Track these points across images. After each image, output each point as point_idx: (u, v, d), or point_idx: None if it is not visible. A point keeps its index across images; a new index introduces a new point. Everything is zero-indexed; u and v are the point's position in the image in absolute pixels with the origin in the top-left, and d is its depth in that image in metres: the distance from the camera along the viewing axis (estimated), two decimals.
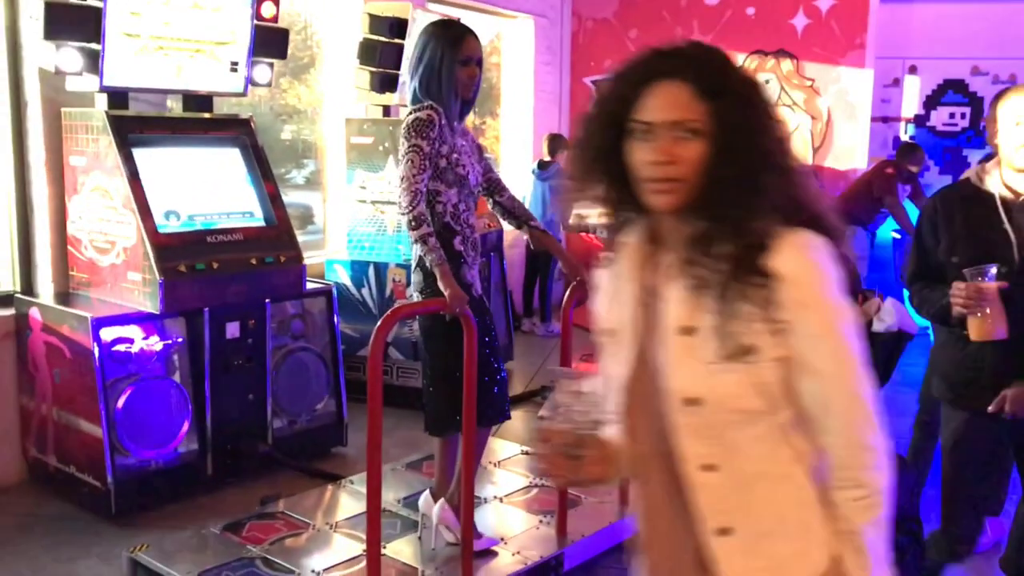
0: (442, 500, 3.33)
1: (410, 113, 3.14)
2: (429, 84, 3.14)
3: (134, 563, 3.26)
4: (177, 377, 4.09)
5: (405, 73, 5.51)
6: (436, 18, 5.51)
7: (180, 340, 4.10)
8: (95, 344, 3.78)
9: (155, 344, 4.00)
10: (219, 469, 4.21)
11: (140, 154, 4.07)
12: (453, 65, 3.13)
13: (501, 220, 3.56)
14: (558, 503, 3.53)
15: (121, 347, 3.90)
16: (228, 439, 4.23)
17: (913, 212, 7.61)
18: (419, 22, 5.52)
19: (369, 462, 2.80)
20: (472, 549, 3.16)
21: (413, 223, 3.01)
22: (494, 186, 3.47)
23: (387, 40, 5.39)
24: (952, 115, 8.60)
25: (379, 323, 2.78)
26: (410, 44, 5.51)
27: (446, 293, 3.00)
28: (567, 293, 3.45)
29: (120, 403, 3.86)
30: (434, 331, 3.28)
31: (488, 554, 3.31)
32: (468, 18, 6.93)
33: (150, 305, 3.95)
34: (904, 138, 8.57)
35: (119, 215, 4.03)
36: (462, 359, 3.08)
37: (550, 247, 3.63)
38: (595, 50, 8.80)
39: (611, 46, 8.82)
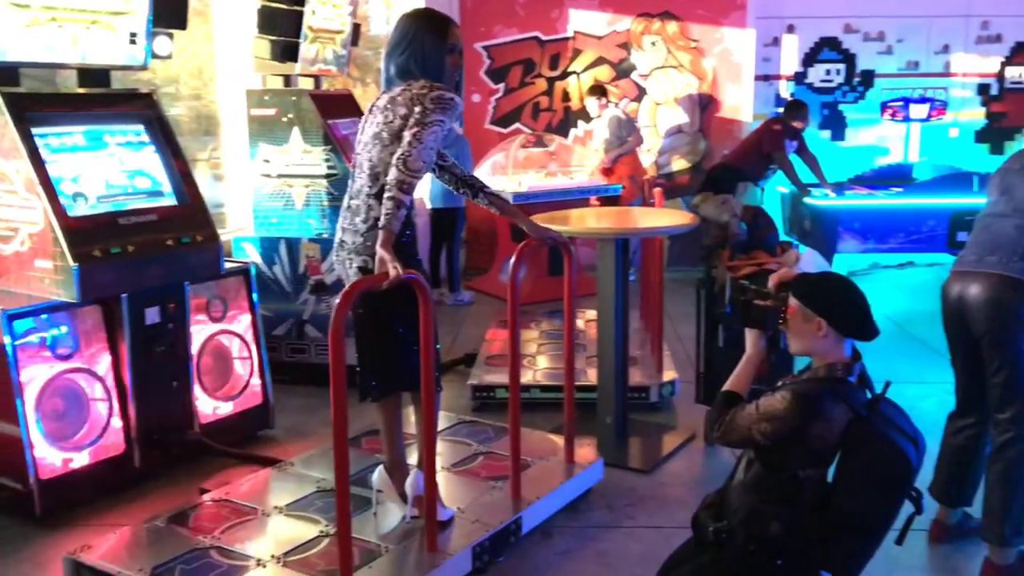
0: (415, 471, 3.29)
1: (431, 88, 3.08)
2: (425, 69, 3.14)
3: (77, 565, 3.08)
4: (97, 368, 3.88)
5: (308, 42, 5.37)
6: None
7: (97, 329, 3.88)
8: (8, 338, 3.54)
9: (71, 334, 3.78)
10: (147, 461, 4.03)
11: (39, 134, 3.81)
12: (443, 53, 3.16)
13: (454, 189, 3.52)
14: (511, 467, 3.53)
15: (34, 339, 3.66)
16: (154, 429, 4.05)
17: (800, 166, 7.93)
18: None
19: (336, 441, 2.72)
20: (436, 521, 3.13)
21: (406, 187, 2.93)
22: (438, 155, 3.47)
23: (287, 7, 5.20)
24: (828, 72, 8.96)
25: (340, 298, 2.69)
26: (308, 11, 5.34)
27: (390, 260, 2.87)
28: (514, 260, 3.41)
29: (37, 399, 3.64)
30: (367, 297, 3.18)
31: (448, 524, 3.29)
32: None
33: (64, 293, 3.72)
34: (785, 96, 8.88)
35: (22, 199, 3.76)
36: (384, 324, 3.12)
37: (512, 214, 3.60)
38: (484, 15, 8.75)
39: (500, 11, 8.80)
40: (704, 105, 8.84)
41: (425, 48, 3.14)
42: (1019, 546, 3.09)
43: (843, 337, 2.35)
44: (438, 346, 3.33)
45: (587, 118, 8.65)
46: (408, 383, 3.25)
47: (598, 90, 8.24)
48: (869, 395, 2.36)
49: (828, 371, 2.35)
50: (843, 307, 2.35)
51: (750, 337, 2.56)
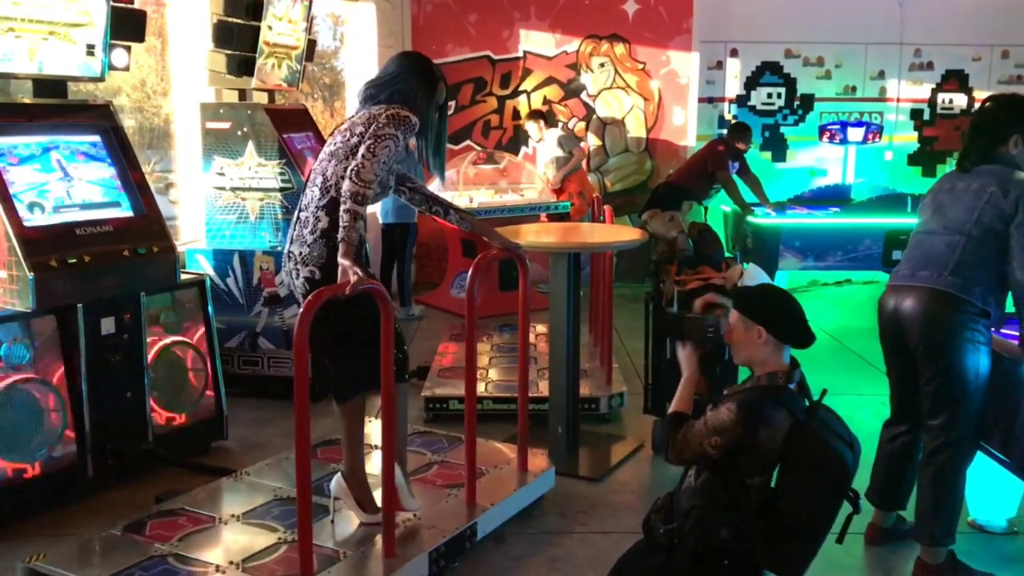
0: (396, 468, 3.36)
1: (388, 107, 3.21)
2: (406, 104, 3.25)
3: (32, 573, 3.08)
4: (51, 378, 3.87)
5: (264, 57, 5.43)
6: None
7: (52, 338, 3.88)
8: None
9: (25, 344, 3.77)
10: (100, 471, 4.03)
11: None
12: (429, 108, 3.34)
13: (424, 210, 3.65)
14: (467, 475, 3.61)
15: None
16: (108, 439, 4.05)
17: (742, 186, 8.16)
18: (275, 4, 5.41)
19: (298, 446, 2.77)
20: (394, 527, 3.19)
21: (360, 199, 3.01)
22: (404, 178, 3.58)
23: (244, 22, 5.24)
24: (770, 95, 9.23)
25: (304, 307, 2.75)
26: (265, 26, 5.39)
27: (351, 267, 2.95)
28: (470, 275, 3.50)
29: None
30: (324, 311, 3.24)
31: (405, 531, 3.35)
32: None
33: (19, 303, 3.72)
34: (728, 118, 9.13)
35: None
36: (343, 332, 3.22)
37: (481, 230, 3.73)
38: (435, 34, 8.87)
39: (451, 30, 8.92)
40: (650, 126, 9.05)
41: (411, 94, 3.28)
42: (949, 546, 3.26)
43: (782, 345, 2.49)
44: (405, 347, 3.47)
45: None
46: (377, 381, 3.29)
47: (537, 115, 8.42)
48: (807, 402, 2.50)
49: (769, 379, 2.48)
50: (780, 315, 2.50)
51: (684, 358, 2.70)
